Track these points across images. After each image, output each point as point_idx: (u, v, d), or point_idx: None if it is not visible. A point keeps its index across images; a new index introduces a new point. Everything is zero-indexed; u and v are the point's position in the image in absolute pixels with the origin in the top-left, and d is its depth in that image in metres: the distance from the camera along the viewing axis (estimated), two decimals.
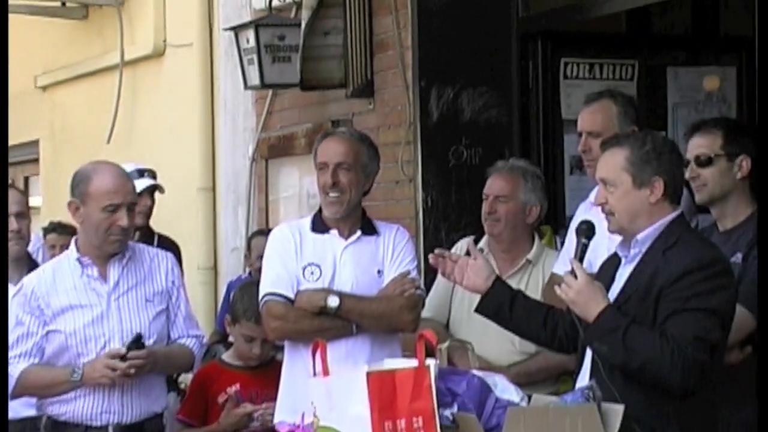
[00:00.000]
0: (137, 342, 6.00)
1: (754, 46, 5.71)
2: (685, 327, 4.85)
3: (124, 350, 5.96)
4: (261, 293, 6.25)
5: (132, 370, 5.97)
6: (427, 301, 6.44)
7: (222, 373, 6.82)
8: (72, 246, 6.25)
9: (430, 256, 5.61)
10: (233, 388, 6.73)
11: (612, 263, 5.22)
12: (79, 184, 6.08)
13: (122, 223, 6.04)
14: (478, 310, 5.40)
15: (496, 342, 5.77)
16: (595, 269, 5.36)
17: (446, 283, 6.42)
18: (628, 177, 5.05)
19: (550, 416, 4.58)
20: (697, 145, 5.92)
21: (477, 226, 6.71)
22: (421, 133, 7.62)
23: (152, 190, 8.44)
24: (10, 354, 6.11)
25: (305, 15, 7.97)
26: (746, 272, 5.59)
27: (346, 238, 6.26)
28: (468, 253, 5.48)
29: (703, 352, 4.86)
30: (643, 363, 4.85)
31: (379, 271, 6.26)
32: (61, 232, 8.97)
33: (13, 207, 6.81)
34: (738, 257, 5.64)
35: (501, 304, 5.38)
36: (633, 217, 5.06)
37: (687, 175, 5.88)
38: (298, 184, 8.65)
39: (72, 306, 6.13)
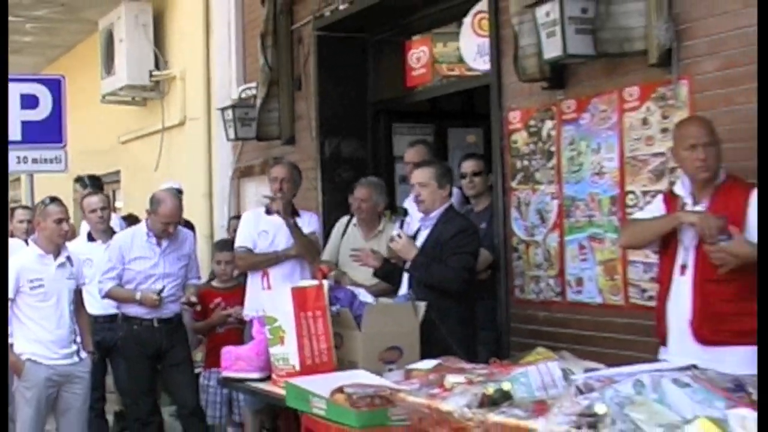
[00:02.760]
0: (160, 292, 5.91)
1: (490, 119, 5.69)
2: (458, 261, 4.83)
3: (156, 296, 5.90)
4: (236, 245, 6.13)
5: (159, 304, 5.91)
6: (326, 250, 6.26)
7: (212, 292, 6.67)
8: (143, 224, 6.10)
9: (353, 254, 5.43)
10: (218, 300, 6.59)
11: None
12: (153, 204, 5.96)
13: (170, 230, 5.96)
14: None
15: (361, 274, 5.66)
16: (412, 232, 5.25)
17: (336, 241, 6.30)
18: (435, 182, 4.99)
19: (389, 309, 4.52)
20: (470, 166, 5.87)
21: (352, 214, 6.54)
22: (321, 164, 7.45)
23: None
24: (104, 277, 6.00)
25: (258, 102, 7.82)
26: (486, 234, 5.58)
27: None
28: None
29: (466, 273, 4.86)
30: (438, 280, 4.80)
31: None
32: (131, 221, 8.75)
33: (99, 204, 6.64)
34: (483, 225, 5.62)
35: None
36: (433, 203, 5.01)
37: (466, 181, 5.83)
38: (255, 192, 8.46)
39: (140, 257, 5.99)
